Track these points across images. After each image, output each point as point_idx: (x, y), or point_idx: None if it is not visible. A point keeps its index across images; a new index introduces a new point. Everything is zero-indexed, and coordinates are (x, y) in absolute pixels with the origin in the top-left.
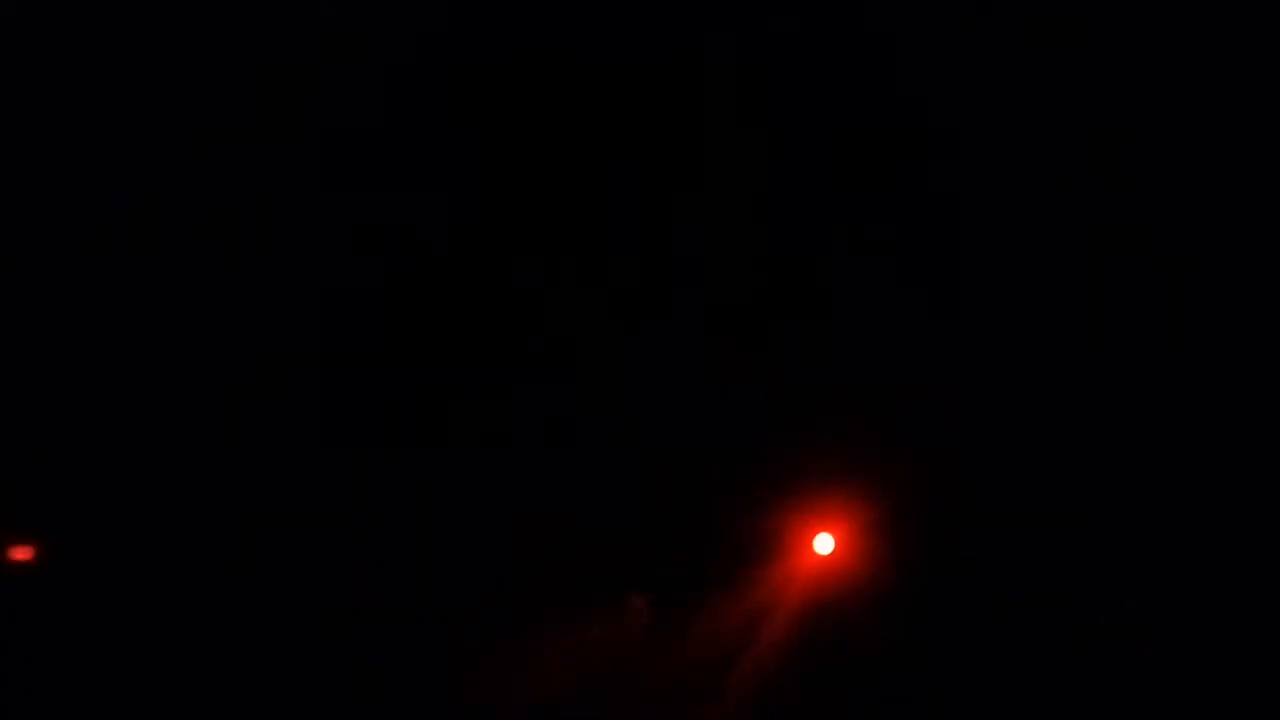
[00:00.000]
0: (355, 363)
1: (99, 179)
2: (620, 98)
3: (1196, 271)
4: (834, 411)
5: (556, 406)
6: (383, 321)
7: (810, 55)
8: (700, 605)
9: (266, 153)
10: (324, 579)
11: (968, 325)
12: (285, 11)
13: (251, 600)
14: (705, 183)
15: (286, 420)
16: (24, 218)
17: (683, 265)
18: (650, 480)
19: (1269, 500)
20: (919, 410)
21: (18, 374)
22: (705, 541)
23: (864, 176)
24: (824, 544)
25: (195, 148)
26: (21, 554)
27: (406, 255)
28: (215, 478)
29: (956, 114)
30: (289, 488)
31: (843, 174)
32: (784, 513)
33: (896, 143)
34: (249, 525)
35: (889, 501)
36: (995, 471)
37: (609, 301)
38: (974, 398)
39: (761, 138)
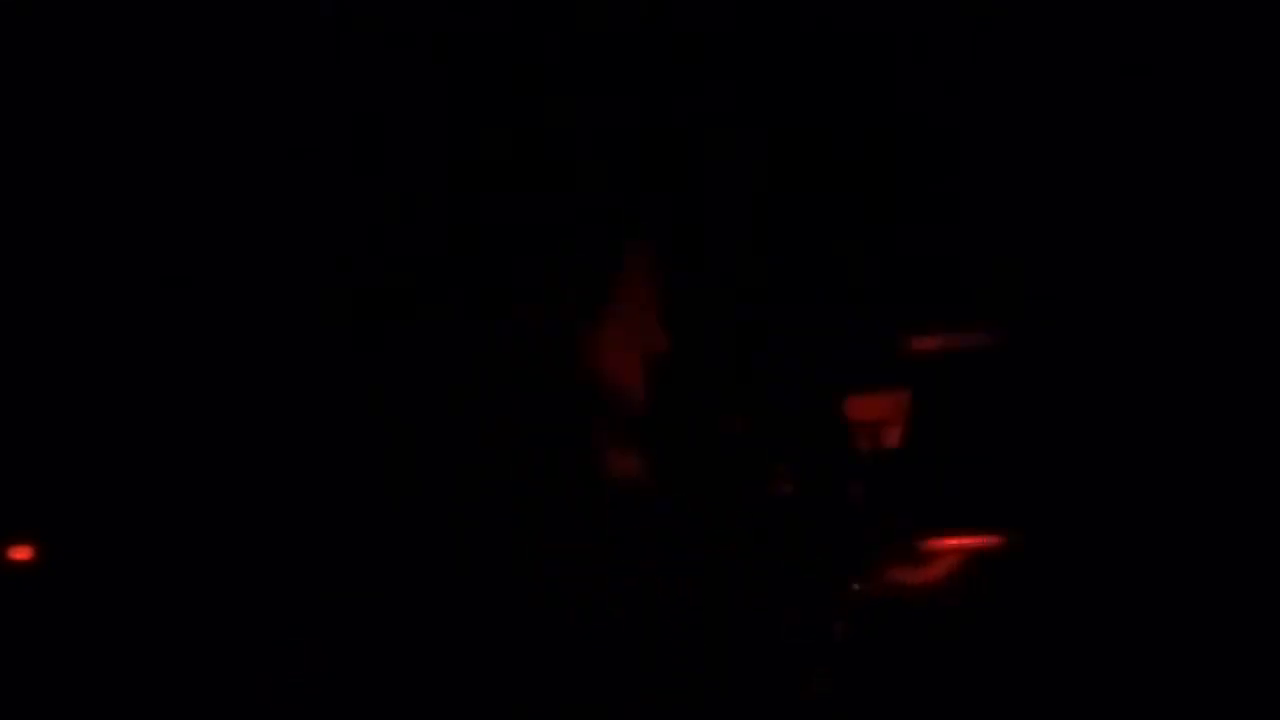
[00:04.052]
0: (355, 363)
1: (98, 178)
2: (620, 97)
3: (1199, 272)
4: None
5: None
6: (383, 321)
7: (810, 55)
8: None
9: (266, 152)
10: (325, 579)
11: (969, 325)
12: (285, 11)
13: (252, 600)
14: (705, 183)
15: (286, 420)
16: (23, 217)
17: (682, 265)
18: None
19: None
20: (926, 412)
21: (18, 374)
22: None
23: (864, 176)
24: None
25: (194, 147)
26: (21, 554)
27: (406, 255)
28: (216, 478)
29: (956, 114)
30: (289, 488)
31: (843, 174)
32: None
33: (897, 142)
34: (250, 525)
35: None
36: (998, 472)
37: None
38: (977, 399)
39: (761, 137)
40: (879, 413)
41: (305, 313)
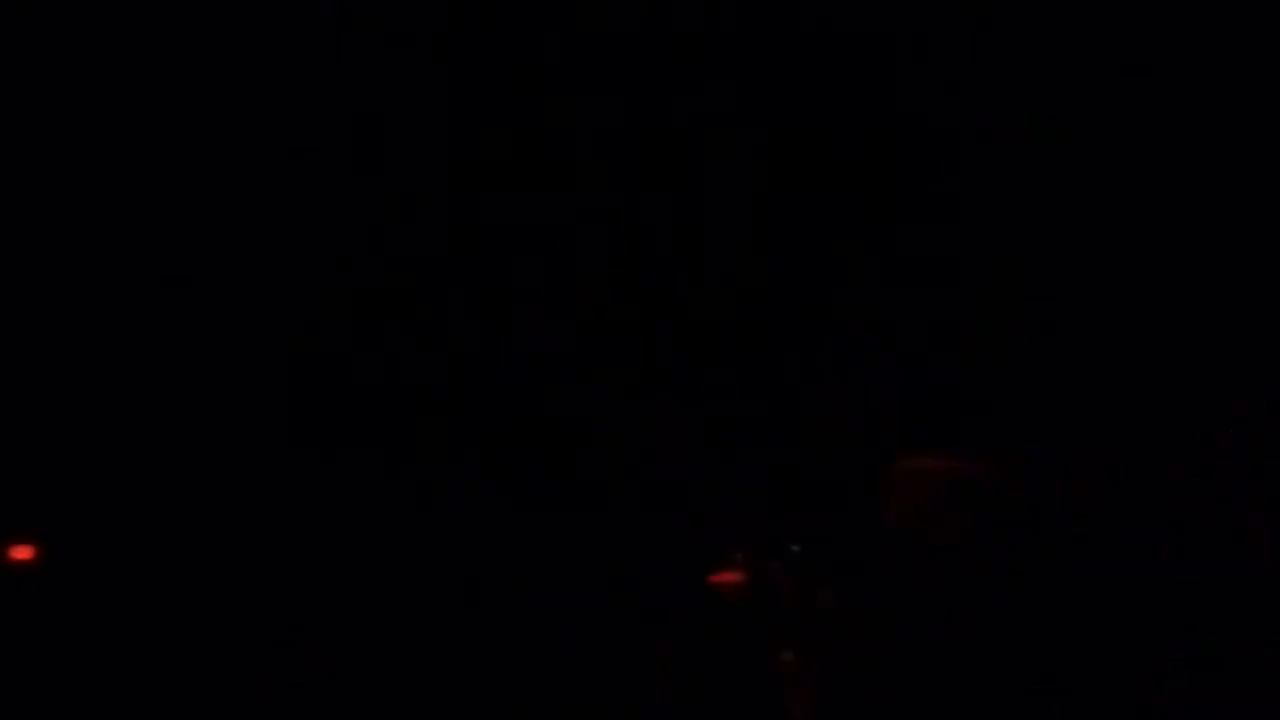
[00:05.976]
0: (357, 364)
1: (99, 178)
2: (620, 97)
3: (1199, 271)
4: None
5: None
6: (383, 321)
7: (810, 55)
8: None
9: (266, 152)
10: (326, 581)
11: (968, 325)
12: (285, 11)
13: (252, 600)
14: (704, 182)
15: (287, 421)
16: (24, 218)
17: (681, 267)
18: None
19: None
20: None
21: (18, 375)
22: None
23: (864, 176)
24: None
25: (195, 147)
26: (22, 554)
27: (406, 255)
28: (215, 478)
29: (956, 114)
30: (289, 489)
31: (843, 174)
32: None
33: (897, 142)
34: (249, 526)
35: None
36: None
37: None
38: (978, 398)
39: (762, 137)
40: None
41: (305, 313)
